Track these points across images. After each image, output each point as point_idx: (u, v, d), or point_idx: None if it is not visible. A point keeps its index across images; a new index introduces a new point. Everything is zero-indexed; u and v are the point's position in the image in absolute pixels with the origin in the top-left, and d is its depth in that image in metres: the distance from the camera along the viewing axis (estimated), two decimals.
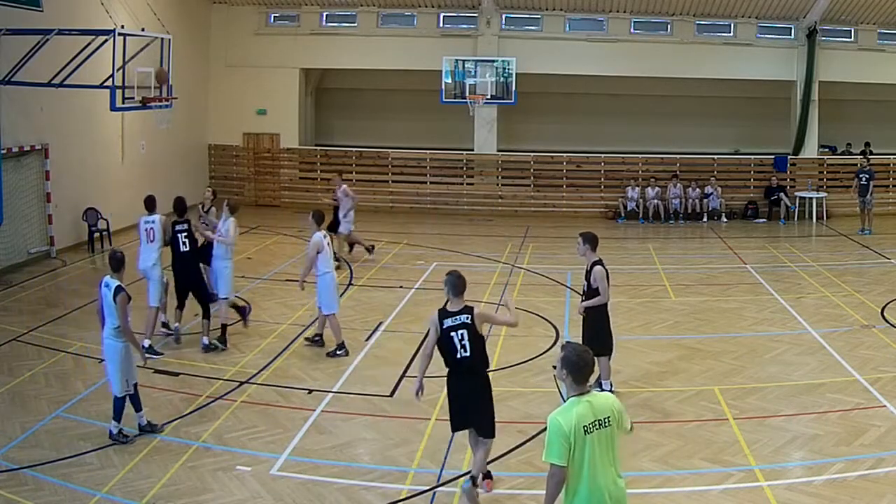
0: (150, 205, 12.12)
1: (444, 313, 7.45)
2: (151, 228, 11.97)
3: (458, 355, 7.38)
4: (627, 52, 24.20)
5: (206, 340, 11.70)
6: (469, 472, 7.80)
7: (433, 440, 8.77)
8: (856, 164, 22.72)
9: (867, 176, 21.14)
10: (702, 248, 20.24)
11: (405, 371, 10.84)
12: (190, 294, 12.02)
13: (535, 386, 10.38)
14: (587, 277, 9.61)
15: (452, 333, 7.36)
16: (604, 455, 5.15)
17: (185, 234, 11.90)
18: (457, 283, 7.47)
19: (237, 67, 24.96)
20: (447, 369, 7.56)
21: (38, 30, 15.45)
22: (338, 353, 11.46)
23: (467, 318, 7.38)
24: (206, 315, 11.84)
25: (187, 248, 11.91)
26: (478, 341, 7.44)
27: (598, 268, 9.48)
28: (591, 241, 9.62)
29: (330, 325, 11.61)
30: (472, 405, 7.51)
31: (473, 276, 16.17)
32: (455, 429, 7.72)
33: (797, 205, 23.51)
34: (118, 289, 8.56)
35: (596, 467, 5.10)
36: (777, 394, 10.00)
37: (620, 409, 5.31)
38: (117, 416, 8.74)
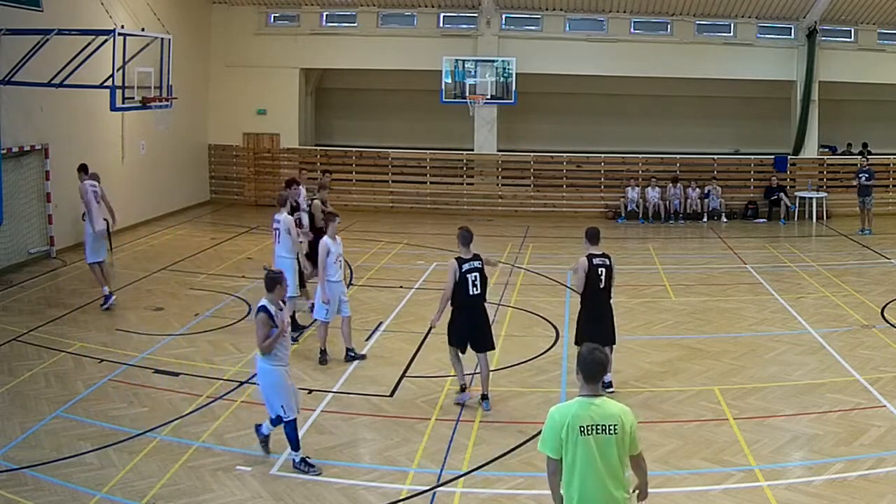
0: (85, 169, 14.24)
1: (461, 260, 9.49)
2: (96, 190, 14.05)
3: (471, 293, 9.45)
4: (627, 52, 24.19)
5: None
6: (468, 472, 7.92)
7: (433, 440, 8.78)
8: (856, 164, 22.73)
9: (867, 175, 21.14)
10: (702, 248, 20.23)
11: (405, 371, 10.84)
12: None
13: (535, 386, 10.38)
14: None
15: (468, 275, 9.44)
16: (602, 463, 4.99)
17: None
18: (467, 236, 9.61)
19: (237, 67, 24.96)
20: (454, 306, 9.53)
21: (38, 30, 15.45)
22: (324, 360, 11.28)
23: (479, 263, 9.55)
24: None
25: None
26: (485, 281, 9.60)
27: (581, 258, 9.90)
28: (590, 237, 9.99)
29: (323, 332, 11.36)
30: (479, 333, 9.58)
31: None
32: (456, 345, 9.63)
33: (797, 205, 23.51)
34: (259, 308, 8.04)
35: (588, 473, 4.99)
36: (777, 394, 10.00)
37: (633, 425, 5.10)
38: (293, 444, 8.04)
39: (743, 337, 12.35)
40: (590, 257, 9.76)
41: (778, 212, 23.47)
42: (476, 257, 9.57)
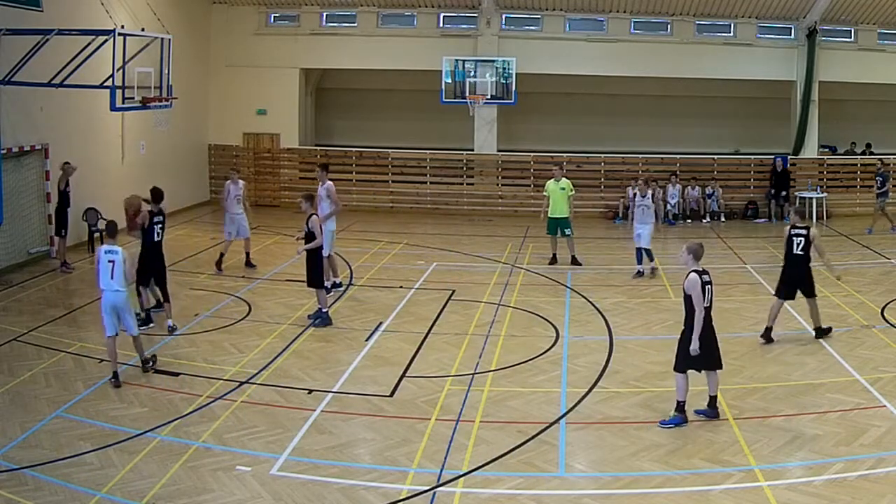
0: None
1: None
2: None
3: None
4: (627, 52, 24.19)
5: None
6: (468, 472, 7.94)
7: (433, 440, 8.77)
8: (856, 164, 22.74)
9: (882, 179, 21.18)
10: None
11: (405, 371, 10.84)
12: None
13: (535, 386, 10.38)
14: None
15: None
16: None
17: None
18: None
19: (237, 67, 24.95)
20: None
21: (38, 30, 15.45)
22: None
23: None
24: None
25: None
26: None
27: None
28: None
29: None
30: None
31: (473, 276, 16.24)
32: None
33: (797, 205, 23.49)
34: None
35: None
36: (777, 394, 10.00)
37: None
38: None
39: (743, 337, 12.33)
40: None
41: (781, 211, 23.39)
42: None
